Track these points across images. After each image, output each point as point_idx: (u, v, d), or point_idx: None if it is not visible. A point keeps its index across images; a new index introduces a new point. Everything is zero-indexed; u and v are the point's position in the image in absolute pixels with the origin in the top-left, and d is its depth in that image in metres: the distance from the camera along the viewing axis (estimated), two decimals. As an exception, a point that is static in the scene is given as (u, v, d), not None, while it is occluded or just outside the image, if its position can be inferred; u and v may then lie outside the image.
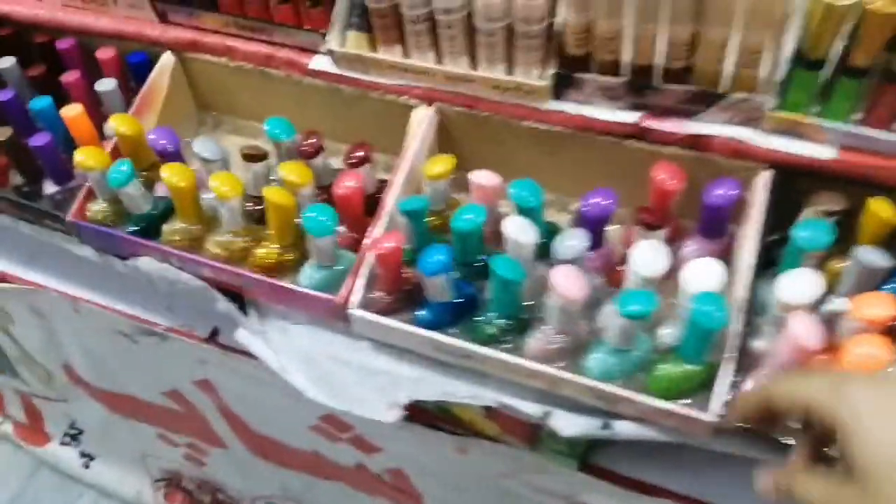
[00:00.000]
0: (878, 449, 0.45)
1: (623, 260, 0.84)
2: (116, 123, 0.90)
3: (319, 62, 0.93)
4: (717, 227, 0.81)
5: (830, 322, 0.71)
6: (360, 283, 0.81)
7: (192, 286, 0.89)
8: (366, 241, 0.83)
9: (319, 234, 0.79)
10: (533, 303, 0.81)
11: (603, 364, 0.75)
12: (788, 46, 0.75)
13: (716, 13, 0.72)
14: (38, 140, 0.92)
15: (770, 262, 0.77)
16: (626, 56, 0.80)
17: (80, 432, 1.67)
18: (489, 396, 0.81)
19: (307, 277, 0.83)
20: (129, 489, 1.68)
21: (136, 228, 0.90)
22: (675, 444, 0.76)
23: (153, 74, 0.98)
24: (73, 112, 0.92)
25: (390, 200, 0.84)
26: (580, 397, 0.76)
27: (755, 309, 0.75)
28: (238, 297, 0.90)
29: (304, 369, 0.88)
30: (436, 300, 0.79)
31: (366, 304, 0.82)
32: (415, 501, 1.19)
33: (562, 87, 0.83)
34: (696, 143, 0.81)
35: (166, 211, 0.90)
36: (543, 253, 0.78)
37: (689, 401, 0.73)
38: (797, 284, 0.70)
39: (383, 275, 0.80)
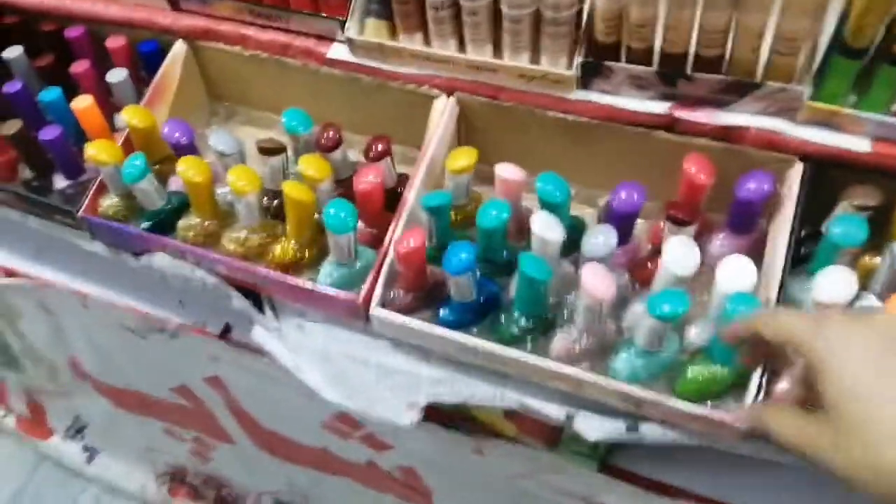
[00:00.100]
0: (847, 384, 0.47)
1: (649, 256, 0.82)
2: (129, 116, 0.87)
3: (337, 51, 0.90)
4: (748, 222, 0.78)
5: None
6: (381, 281, 0.79)
7: (207, 283, 0.86)
8: (387, 239, 0.80)
9: (340, 232, 0.76)
10: (556, 300, 0.79)
11: (630, 366, 0.72)
12: (827, 34, 0.73)
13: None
14: (48, 133, 0.89)
15: (801, 257, 0.75)
16: (657, 44, 0.77)
17: (85, 426, 1.66)
18: (511, 398, 0.79)
19: (326, 275, 0.81)
20: (132, 484, 1.67)
21: (149, 224, 0.87)
22: (697, 446, 0.74)
23: (165, 64, 0.95)
24: (83, 104, 0.89)
25: (411, 196, 0.82)
26: (605, 399, 0.74)
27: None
28: (253, 294, 0.87)
29: (319, 368, 0.86)
30: (459, 299, 0.77)
31: (386, 303, 0.79)
32: (424, 498, 1.17)
33: (589, 76, 0.81)
34: (728, 134, 0.78)
35: (181, 206, 0.87)
36: (568, 248, 0.76)
37: (716, 403, 0.71)
38: (832, 283, 0.68)
39: (405, 273, 0.78)
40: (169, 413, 1.33)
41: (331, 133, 0.85)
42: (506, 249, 0.81)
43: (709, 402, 0.71)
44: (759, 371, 0.68)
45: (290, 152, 0.88)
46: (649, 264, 0.80)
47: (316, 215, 0.83)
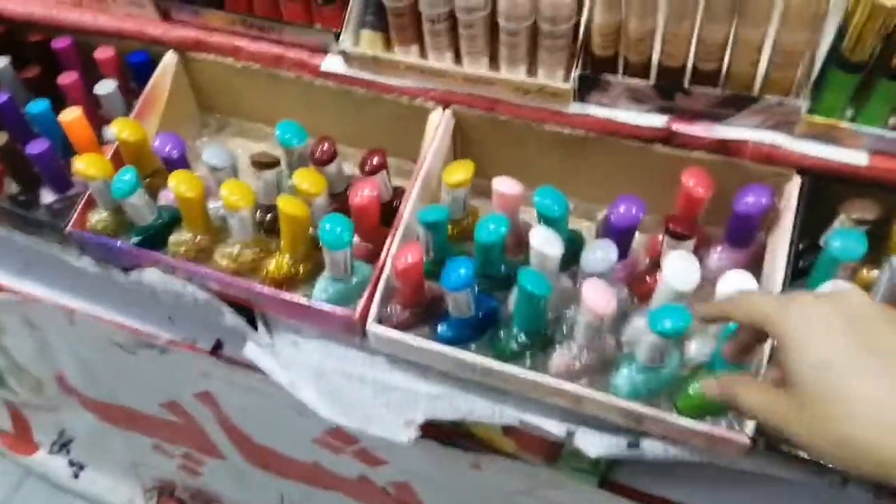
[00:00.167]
0: (808, 360, 0.48)
1: (648, 269, 0.81)
2: (119, 129, 0.86)
3: (331, 63, 0.89)
4: (746, 236, 0.78)
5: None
6: (378, 297, 0.77)
7: (199, 299, 0.85)
8: (383, 254, 0.79)
9: (336, 248, 0.75)
10: (555, 315, 0.78)
11: (631, 382, 0.72)
12: (824, 47, 0.72)
13: (754, 12, 0.69)
14: (36, 147, 0.88)
15: (800, 270, 0.75)
16: (655, 57, 0.77)
17: (70, 441, 1.63)
18: (510, 414, 0.78)
19: (322, 291, 0.80)
20: (120, 498, 1.64)
21: (139, 239, 0.85)
22: (699, 462, 0.73)
23: (156, 75, 0.93)
24: (71, 116, 0.88)
25: (407, 210, 0.81)
26: (606, 415, 0.73)
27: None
28: (246, 310, 0.86)
29: (314, 385, 0.84)
30: (458, 315, 0.76)
31: (383, 319, 0.78)
32: (418, 513, 1.16)
33: (586, 89, 0.80)
34: (726, 147, 0.78)
35: (172, 221, 0.86)
36: (566, 262, 0.75)
37: (718, 419, 0.71)
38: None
39: (402, 289, 0.77)
40: (158, 428, 1.31)
41: (325, 146, 0.83)
42: (503, 264, 0.80)
43: (710, 418, 0.70)
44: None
45: (283, 165, 0.87)
46: (648, 278, 0.79)
47: (311, 230, 0.82)
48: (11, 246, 0.97)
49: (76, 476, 1.66)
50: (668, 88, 0.77)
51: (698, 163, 0.78)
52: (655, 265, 0.79)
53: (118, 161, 0.87)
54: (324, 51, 0.89)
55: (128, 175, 0.82)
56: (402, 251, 0.75)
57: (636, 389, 0.71)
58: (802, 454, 0.68)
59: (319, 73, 0.89)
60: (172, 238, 0.85)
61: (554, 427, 0.76)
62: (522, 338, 0.75)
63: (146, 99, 0.93)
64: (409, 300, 0.78)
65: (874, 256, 0.72)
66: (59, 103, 0.92)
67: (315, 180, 0.81)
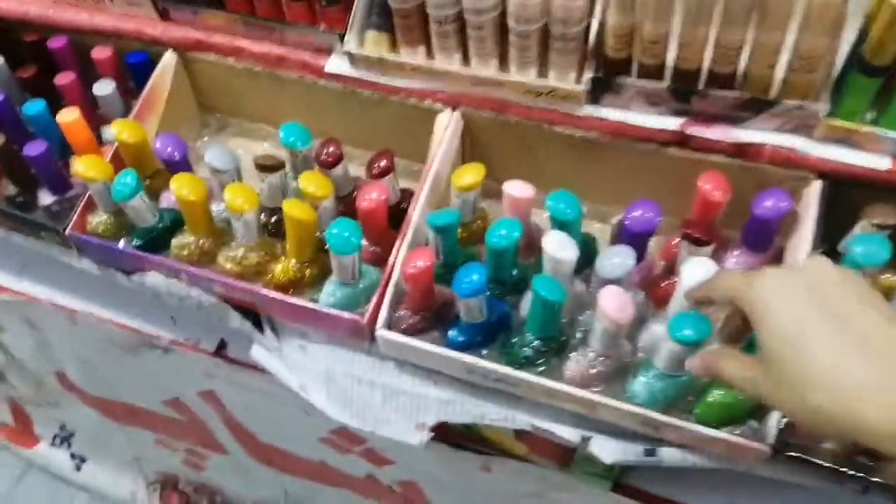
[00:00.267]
0: (776, 331, 0.50)
1: (663, 274, 0.80)
2: (119, 130, 0.83)
3: (336, 64, 0.87)
4: (764, 240, 0.76)
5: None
6: (387, 301, 0.76)
7: (203, 303, 0.83)
8: (391, 258, 0.77)
9: (344, 253, 0.74)
10: (568, 320, 0.77)
11: (650, 389, 0.71)
12: (844, 50, 0.71)
13: (773, 15, 0.67)
14: (34, 149, 0.85)
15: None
16: (670, 59, 0.75)
17: (72, 435, 1.62)
18: (524, 420, 0.77)
19: (329, 295, 0.78)
20: (122, 491, 1.63)
21: (141, 242, 0.84)
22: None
23: (155, 75, 0.91)
24: (69, 117, 0.85)
25: (416, 213, 0.79)
26: (621, 422, 0.72)
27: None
28: (251, 313, 0.84)
29: (324, 388, 0.83)
30: (469, 320, 0.75)
31: (392, 324, 0.77)
32: (423, 511, 1.16)
33: (598, 91, 0.78)
34: (744, 151, 0.77)
35: (174, 223, 0.84)
36: (579, 265, 0.74)
37: (737, 427, 0.70)
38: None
39: (412, 294, 0.75)
40: (160, 425, 1.30)
41: (331, 149, 0.82)
42: (515, 268, 0.78)
43: (729, 426, 0.70)
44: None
45: (287, 167, 0.85)
46: (663, 283, 0.78)
47: (317, 233, 0.81)
48: (10, 247, 0.95)
49: (78, 469, 1.65)
50: (683, 91, 0.75)
51: (714, 166, 0.76)
52: (671, 270, 0.78)
53: (118, 162, 0.85)
54: (327, 52, 0.87)
55: (128, 177, 0.80)
56: (412, 256, 0.73)
57: (654, 396, 0.70)
58: (822, 461, 0.67)
59: (323, 75, 0.87)
60: (175, 241, 0.84)
61: (568, 433, 0.75)
62: (536, 344, 0.74)
63: (146, 99, 0.90)
64: (418, 305, 0.77)
65: (895, 262, 0.71)
66: (55, 103, 0.90)
67: (321, 183, 0.79)
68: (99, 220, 0.86)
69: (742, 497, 0.82)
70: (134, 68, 0.93)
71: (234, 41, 0.90)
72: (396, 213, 0.82)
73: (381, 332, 0.75)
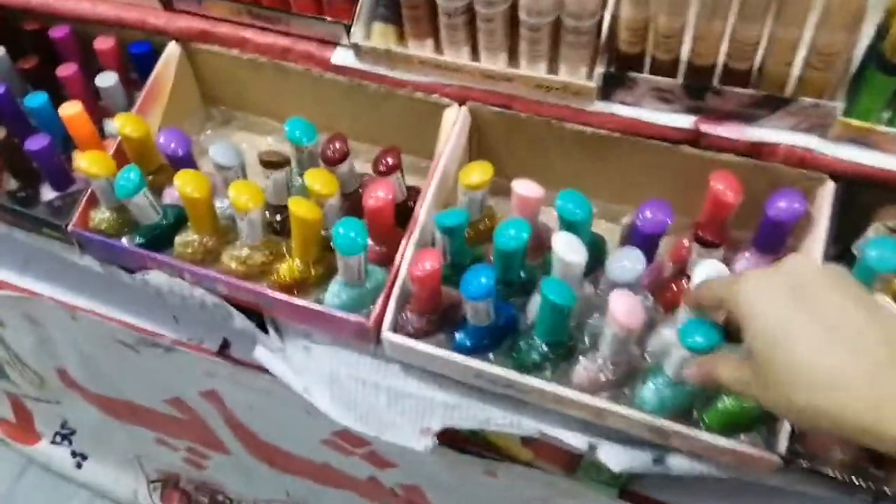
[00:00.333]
0: (761, 332, 0.51)
1: (673, 277, 0.78)
2: (122, 125, 0.82)
3: (342, 56, 0.85)
4: (776, 242, 0.74)
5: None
6: (392, 303, 0.75)
7: (207, 302, 0.82)
8: (397, 258, 0.76)
9: (350, 253, 0.72)
10: (576, 323, 0.75)
11: (659, 396, 0.69)
12: (861, 46, 0.69)
13: (792, 9, 0.65)
14: (36, 143, 0.84)
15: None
16: (684, 54, 0.73)
17: (73, 432, 1.61)
18: (530, 426, 0.75)
19: (334, 296, 0.77)
20: (123, 489, 1.62)
21: (144, 240, 0.82)
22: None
23: (158, 66, 0.89)
24: (71, 110, 0.84)
25: (423, 212, 0.77)
26: (630, 430, 0.71)
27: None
28: (255, 313, 0.83)
29: (328, 391, 0.82)
30: (476, 323, 0.73)
31: (398, 326, 0.75)
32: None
33: (610, 87, 0.77)
34: (758, 150, 0.75)
35: (177, 220, 0.83)
36: (588, 267, 0.72)
37: (749, 434, 0.68)
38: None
39: (419, 296, 0.74)
40: (162, 423, 1.29)
41: (337, 145, 0.80)
42: (522, 269, 0.77)
43: (740, 434, 0.68)
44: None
45: (292, 163, 0.84)
46: (673, 285, 0.76)
47: (322, 231, 0.79)
48: (11, 242, 0.94)
49: (79, 466, 1.64)
50: (697, 88, 0.73)
51: (727, 165, 0.75)
52: (681, 272, 0.76)
53: (121, 157, 0.84)
54: (334, 43, 0.85)
55: (131, 174, 0.78)
56: (419, 257, 0.72)
57: (663, 404, 0.69)
58: (831, 472, 0.66)
59: (329, 67, 0.86)
60: (178, 239, 0.82)
61: (575, 440, 0.74)
62: (544, 348, 0.72)
63: (149, 91, 0.89)
64: (425, 307, 0.75)
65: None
66: (56, 93, 0.89)
67: (327, 181, 0.78)
68: (101, 216, 0.84)
69: (750, 504, 0.81)
70: (137, 59, 0.92)
71: (239, 32, 0.88)
72: (403, 211, 0.80)
73: (387, 334, 0.74)
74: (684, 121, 0.76)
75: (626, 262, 0.69)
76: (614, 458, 0.72)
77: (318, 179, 0.77)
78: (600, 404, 0.69)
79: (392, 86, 0.84)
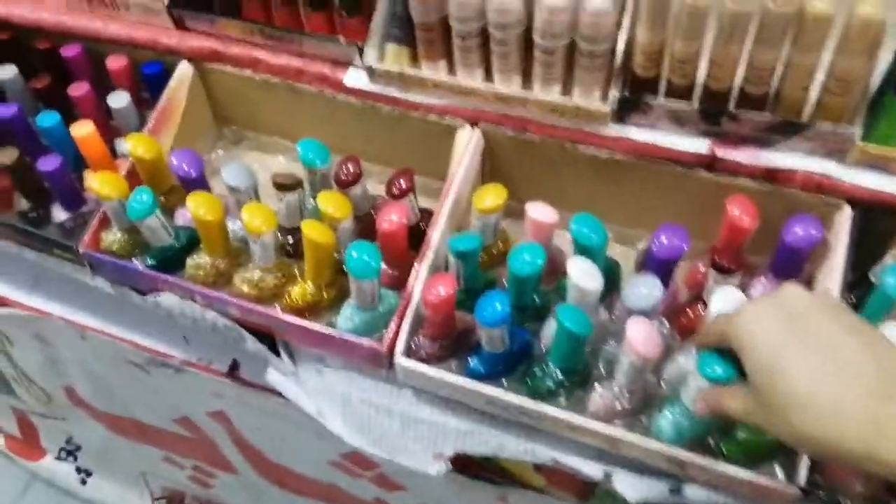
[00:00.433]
0: (759, 362, 0.52)
1: (688, 302, 0.77)
2: (134, 146, 0.82)
3: (354, 78, 0.85)
4: (793, 268, 0.74)
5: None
6: (405, 328, 0.74)
7: (218, 325, 0.81)
8: (410, 281, 0.75)
9: (363, 277, 0.72)
10: (591, 350, 0.74)
11: (676, 426, 0.68)
12: (879, 71, 0.69)
13: (810, 35, 0.65)
14: (48, 164, 0.84)
15: (852, 306, 0.71)
16: (700, 78, 0.73)
17: (78, 448, 1.60)
18: (545, 453, 0.74)
19: (347, 319, 0.76)
20: (129, 505, 1.61)
21: (155, 262, 0.82)
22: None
23: (171, 86, 0.89)
24: (83, 131, 0.84)
25: (436, 235, 0.77)
26: (646, 459, 0.70)
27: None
28: (267, 336, 0.82)
29: (341, 414, 0.81)
30: (490, 349, 0.72)
31: (411, 352, 0.75)
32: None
33: (625, 111, 0.76)
34: (774, 175, 0.74)
35: (190, 243, 0.82)
36: (603, 292, 0.71)
37: (768, 465, 0.68)
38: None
39: (432, 320, 0.73)
40: (169, 442, 1.28)
41: (350, 167, 0.80)
42: (536, 294, 0.76)
43: (760, 464, 0.67)
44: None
45: (305, 185, 0.83)
46: (689, 311, 0.75)
47: (335, 254, 0.79)
48: (22, 262, 0.93)
49: (83, 483, 1.63)
50: (713, 112, 0.73)
51: (743, 190, 0.74)
52: (697, 297, 0.75)
53: (133, 178, 0.83)
54: (346, 64, 0.85)
55: (144, 195, 0.78)
56: (433, 282, 0.71)
57: (681, 434, 0.68)
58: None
59: (342, 88, 0.85)
60: (190, 261, 0.82)
61: (590, 468, 0.73)
62: (559, 375, 0.71)
63: (161, 111, 0.89)
64: (438, 332, 0.74)
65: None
66: (68, 111, 0.89)
67: (340, 204, 0.77)
68: (113, 237, 0.84)
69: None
70: (149, 79, 0.91)
71: (252, 52, 0.88)
72: (415, 234, 0.80)
73: (400, 360, 0.73)
74: (700, 145, 0.76)
75: (642, 289, 0.69)
76: (630, 487, 0.71)
77: (331, 203, 0.77)
78: (616, 433, 0.68)
79: (405, 108, 0.84)
